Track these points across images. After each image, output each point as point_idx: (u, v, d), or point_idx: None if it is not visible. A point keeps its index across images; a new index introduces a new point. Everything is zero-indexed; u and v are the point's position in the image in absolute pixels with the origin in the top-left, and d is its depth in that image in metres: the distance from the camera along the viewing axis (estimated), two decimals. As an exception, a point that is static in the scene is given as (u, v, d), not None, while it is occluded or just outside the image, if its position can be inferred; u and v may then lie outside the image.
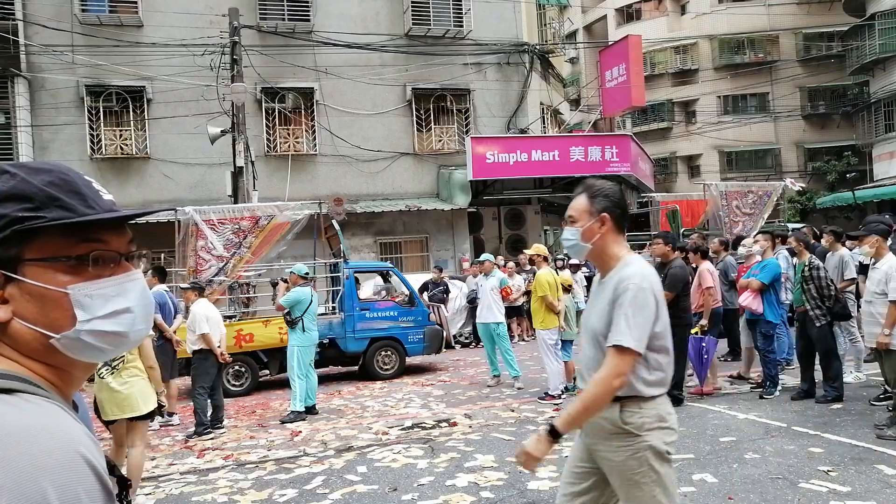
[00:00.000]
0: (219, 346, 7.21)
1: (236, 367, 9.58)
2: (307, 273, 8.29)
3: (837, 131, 29.89)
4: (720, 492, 4.62)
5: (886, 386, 6.87)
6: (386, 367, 10.35)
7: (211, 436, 7.10)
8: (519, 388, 8.73)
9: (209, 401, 7.34)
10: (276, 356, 9.67)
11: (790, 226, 13.28)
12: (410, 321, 10.38)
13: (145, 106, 15.06)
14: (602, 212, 2.42)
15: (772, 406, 7.02)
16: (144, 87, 14.86)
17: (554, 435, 2.33)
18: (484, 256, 9.78)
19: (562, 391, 7.91)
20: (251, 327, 9.71)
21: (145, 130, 15.08)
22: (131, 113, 15.06)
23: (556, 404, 7.61)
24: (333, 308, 10.38)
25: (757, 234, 8.49)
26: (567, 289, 8.56)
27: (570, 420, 2.37)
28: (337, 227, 11.32)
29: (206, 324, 7.08)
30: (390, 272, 11.50)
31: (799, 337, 7.46)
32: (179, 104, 14.78)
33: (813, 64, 29.71)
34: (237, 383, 9.71)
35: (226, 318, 9.63)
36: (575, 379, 8.36)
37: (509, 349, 9.11)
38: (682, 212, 14.73)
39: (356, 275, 10.64)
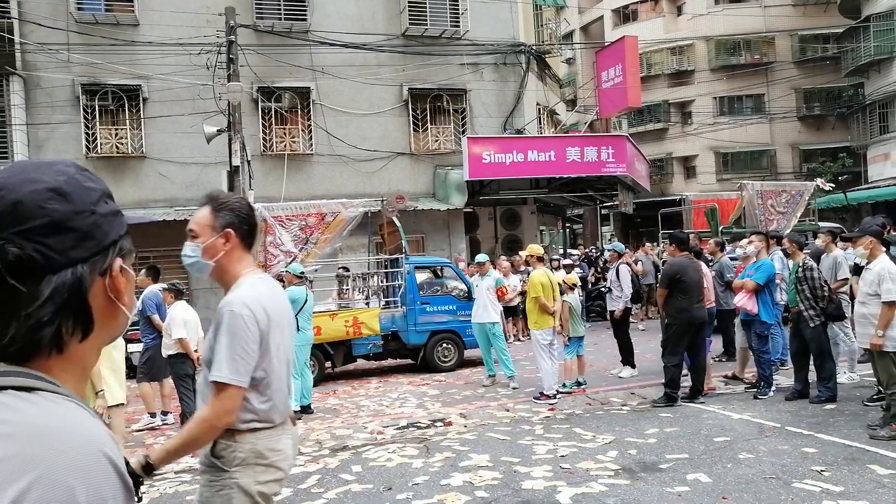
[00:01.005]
0: (196, 351, 7.09)
1: None
2: (302, 273, 8.29)
3: (832, 133, 29.98)
4: (714, 491, 4.63)
5: (879, 387, 6.90)
6: (445, 359, 10.53)
7: None
8: (514, 388, 8.74)
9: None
10: (341, 349, 10.16)
11: (822, 224, 13.34)
12: (468, 315, 10.31)
13: (141, 105, 15.03)
14: (226, 227, 2.23)
15: (766, 406, 7.04)
16: (140, 85, 14.83)
17: (147, 469, 2.01)
18: (481, 257, 9.77)
19: (557, 391, 7.92)
20: (319, 320, 9.78)
21: (141, 129, 15.05)
22: (127, 112, 15.04)
23: (552, 404, 7.63)
24: (395, 302, 10.52)
25: (752, 234, 8.51)
26: (572, 287, 8.60)
27: (166, 455, 2.10)
28: (398, 223, 11.60)
29: (182, 328, 6.98)
30: (446, 267, 11.82)
31: (793, 337, 7.49)
32: (175, 103, 14.75)
33: (808, 65, 29.80)
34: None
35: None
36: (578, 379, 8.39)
37: (504, 349, 9.12)
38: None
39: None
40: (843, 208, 22.13)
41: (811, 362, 7.25)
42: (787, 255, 8.02)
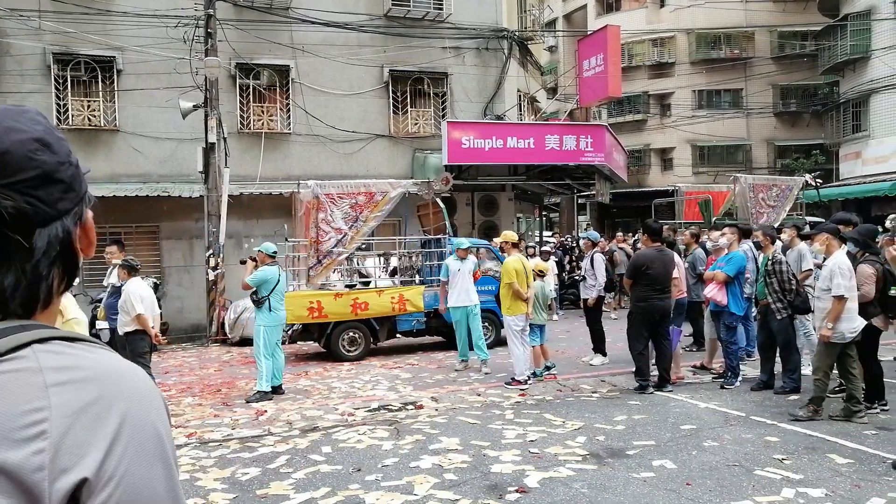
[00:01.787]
0: (153, 328, 7.02)
1: (351, 334, 10.32)
2: (275, 252, 8.21)
3: (807, 130, 30.40)
4: (679, 477, 4.72)
5: (840, 378, 7.07)
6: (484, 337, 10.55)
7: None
8: (486, 373, 8.80)
9: None
10: (386, 324, 10.57)
11: (808, 219, 13.60)
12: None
13: (115, 77, 14.69)
14: None
15: (732, 396, 7.18)
16: (115, 57, 14.48)
17: None
18: (463, 241, 9.71)
19: (528, 376, 7.98)
20: (366, 296, 10.27)
21: (114, 102, 14.71)
22: (100, 83, 14.68)
23: (523, 389, 7.69)
24: (438, 281, 10.44)
25: (725, 227, 8.63)
26: (541, 274, 8.62)
27: None
28: (441, 204, 11.98)
29: (140, 304, 6.87)
30: (484, 248, 11.82)
31: (760, 329, 7.63)
32: (151, 76, 14.44)
33: (786, 62, 30.11)
34: (352, 349, 10.33)
35: (347, 287, 10.60)
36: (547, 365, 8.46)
37: (481, 332, 9.18)
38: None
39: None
40: (815, 204, 22.52)
41: (777, 354, 7.40)
42: (758, 247, 8.13)
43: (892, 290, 6.30)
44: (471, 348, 9.28)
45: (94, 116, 14.54)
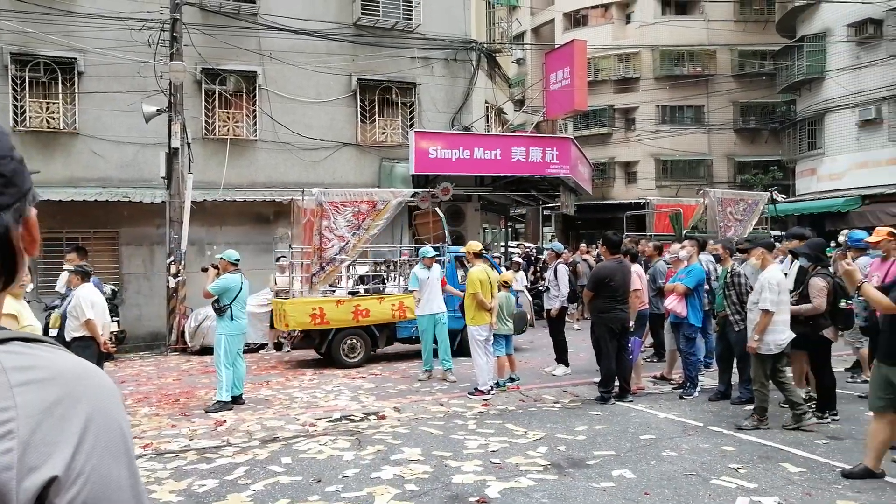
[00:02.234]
0: (102, 335, 6.85)
1: (352, 341, 10.42)
2: (237, 260, 8.10)
3: (765, 146, 31.23)
4: (637, 487, 4.78)
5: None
6: None
7: None
8: (452, 381, 8.81)
9: None
10: (385, 331, 10.74)
11: (772, 233, 13.98)
12: None
13: (76, 79, 14.38)
14: None
15: (690, 406, 7.30)
16: (76, 58, 14.18)
17: None
18: (429, 250, 9.66)
19: (491, 387, 8.01)
20: (367, 303, 10.41)
21: (75, 104, 14.39)
22: (60, 85, 14.36)
23: (486, 399, 7.71)
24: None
25: (685, 240, 8.80)
26: (506, 285, 8.67)
27: None
28: (440, 213, 12.27)
29: (90, 309, 6.71)
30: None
31: (719, 340, 7.78)
32: (113, 79, 14.17)
33: (746, 80, 30.94)
34: (352, 355, 10.43)
35: (349, 293, 10.80)
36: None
37: (448, 341, 9.20)
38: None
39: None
40: (773, 219, 23.12)
41: (735, 365, 7.55)
42: (718, 260, 8.30)
43: (842, 302, 6.50)
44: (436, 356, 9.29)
45: (53, 119, 14.21)
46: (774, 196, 15.49)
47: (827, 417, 6.41)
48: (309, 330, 10.33)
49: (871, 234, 7.51)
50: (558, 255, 10.19)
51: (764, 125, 31.28)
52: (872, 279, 6.19)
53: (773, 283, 6.19)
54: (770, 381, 6.36)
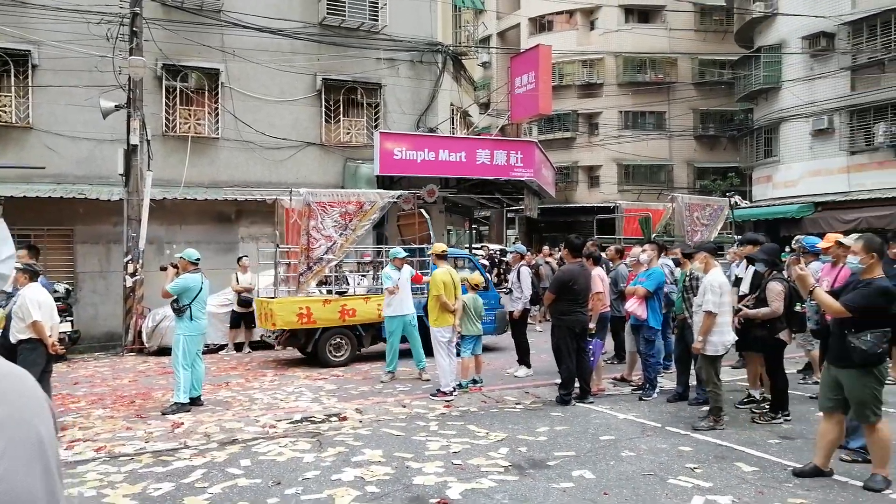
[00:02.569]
0: (50, 336, 6.66)
1: (338, 340, 10.49)
2: (198, 259, 7.96)
3: (724, 153, 31.99)
4: (597, 487, 4.83)
5: (749, 390, 7.43)
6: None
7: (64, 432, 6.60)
8: (426, 380, 8.92)
9: None
10: (371, 330, 10.83)
11: (737, 237, 14.33)
12: (484, 304, 10.26)
13: (29, 72, 13.96)
14: None
15: (649, 407, 7.42)
16: (30, 51, 13.77)
17: None
18: (399, 251, 9.66)
19: (454, 388, 8.02)
20: (354, 303, 10.52)
21: (28, 98, 13.98)
22: (12, 78, 13.93)
23: (448, 401, 7.72)
24: (422, 288, 10.65)
25: (646, 243, 8.94)
26: (476, 287, 8.71)
27: None
28: (426, 215, 12.62)
29: (38, 311, 6.50)
30: (465, 259, 12.29)
31: (677, 343, 7.93)
32: (69, 73, 13.80)
33: (705, 88, 31.65)
34: (338, 354, 10.51)
35: (338, 293, 10.95)
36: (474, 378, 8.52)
37: (419, 340, 9.27)
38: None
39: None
40: (730, 224, 23.70)
41: (693, 366, 7.70)
42: (676, 264, 8.45)
43: (797, 306, 6.69)
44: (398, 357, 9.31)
45: (5, 112, 13.77)
46: (737, 201, 16.00)
47: (779, 418, 6.58)
48: (295, 329, 10.35)
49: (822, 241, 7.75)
50: (522, 257, 10.27)
51: (723, 132, 32.05)
52: (822, 283, 6.38)
53: (714, 285, 6.41)
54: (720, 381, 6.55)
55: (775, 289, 6.40)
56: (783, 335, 6.64)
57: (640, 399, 7.77)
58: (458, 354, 8.40)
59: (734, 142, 31.15)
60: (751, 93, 26.60)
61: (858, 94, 22.25)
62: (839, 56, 22.57)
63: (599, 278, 8.31)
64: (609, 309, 8.88)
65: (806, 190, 23.73)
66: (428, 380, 9.03)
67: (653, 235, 14.34)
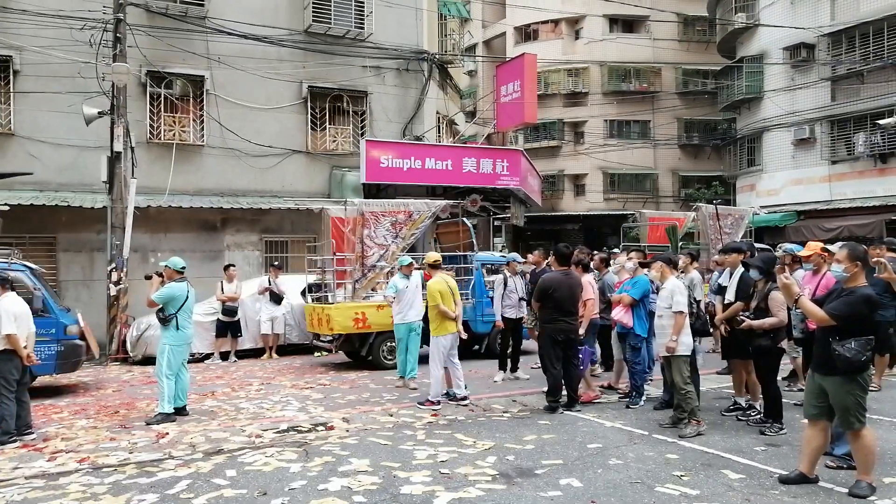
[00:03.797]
0: (25, 347, 6.56)
1: (391, 343, 10.50)
2: (183, 268, 7.89)
3: (708, 162, 32.29)
4: (584, 496, 4.83)
5: (735, 398, 7.47)
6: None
7: (17, 443, 6.48)
8: (413, 389, 8.96)
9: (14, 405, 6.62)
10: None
11: (788, 245, 14.56)
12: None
13: (11, 78, 13.83)
14: None
15: (636, 415, 7.44)
16: (11, 56, 13.64)
17: None
18: (406, 258, 9.71)
19: (440, 399, 8.00)
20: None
21: (10, 104, 13.83)
22: (-6, 84, 13.80)
23: (435, 410, 7.69)
24: (466, 295, 11.05)
25: (631, 252, 8.99)
26: None
27: None
28: (469, 223, 13.09)
29: (12, 323, 6.43)
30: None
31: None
32: (52, 79, 13.68)
33: (690, 97, 31.98)
34: (390, 357, 10.72)
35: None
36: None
37: (417, 350, 9.33)
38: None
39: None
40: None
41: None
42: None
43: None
44: None
45: (-13, 119, 13.62)
46: (757, 210, 16.40)
47: (774, 427, 6.53)
48: (350, 334, 10.70)
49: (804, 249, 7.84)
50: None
51: (706, 141, 32.35)
52: (804, 291, 6.43)
53: (681, 287, 6.73)
54: (691, 384, 6.63)
55: (779, 298, 6.38)
56: (783, 343, 6.70)
57: (628, 406, 7.79)
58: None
59: (718, 151, 31.46)
60: (734, 102, 26.92)
61: (839, 105, 22.60)
62: (819, 67, 22.92)
63: (590, 284, 8.31)
64: (597, 316, 8.87)
65: (788, 199, 24.01)
66: (415, 388, 9.01)
67: (679, 244, 14.50)
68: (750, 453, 5.84)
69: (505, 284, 9.77)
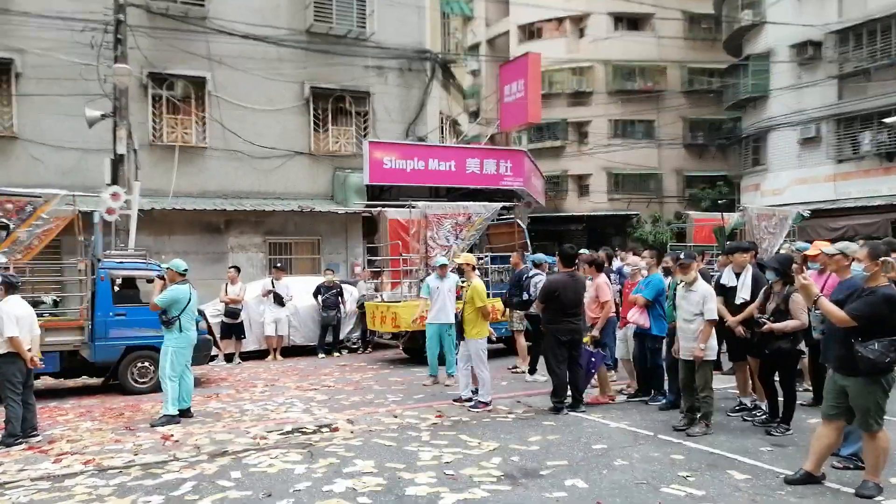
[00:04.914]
0: (29, 350, 6.55)
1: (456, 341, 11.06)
2: (186, 270, 7.88)
3: (713, 161, 32.15)
4: (589, 496, 4.80)
5: (740, 398, 7.43)
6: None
7: (22, 446, 6.49)
8: (447, 385, 9.12)
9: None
10: None
11: (798, 244, 14.65)
12: None
13: (13, 80, 13.86)
14: None
15: (641, 415, 7.40)
16: (13, 59, 13.67)
17: None
18: (442, 260, 9.75)
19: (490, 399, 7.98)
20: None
21: (12, 107, 13.86)
22: (-3, 87, 13.84)
23: (489, 410, 7.70)
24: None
25: (644, 251, 8.92)
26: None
27: None
28: (523, 225, 13.72)
29: (14, 326, 6.43)
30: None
31: (668, 351, 7.90)
32: (54, 82, 13.70)
33: (695, 96, 31.84)
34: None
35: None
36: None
37: (454, 349, 9.30)
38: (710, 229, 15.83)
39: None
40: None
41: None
42: (667, 273, 8.39)
43: None
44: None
45: (-10, 122, 13.66)
46: (801, 212, 16.44)
47: (781, 428, 6.49)
48: (415, 331, 10.91)
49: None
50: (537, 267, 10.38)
51: (711, 141, 32.22)
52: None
53: (712, 293, 6.54)
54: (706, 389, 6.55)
55: (800, 301, 6.31)
56: (801, 345, 6.64)
57: (647, 404, 7.76)
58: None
59: (723, 150, 31.34)
60: (739, 101, 26.79)
61: (845, 103, 22.48)
62: (826, 65, 22.81)
63: (606, 285, 8.21)
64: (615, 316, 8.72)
65: (793, 198, 23.87)
66: (448, 385, 9.13)
67: (727, 244, 14.56)
68: (756, 454, 5.80)
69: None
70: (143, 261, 10.14)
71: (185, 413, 7.57)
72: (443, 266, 9.51)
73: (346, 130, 17.20)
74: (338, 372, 10.90)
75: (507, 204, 14.96)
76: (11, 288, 6.71)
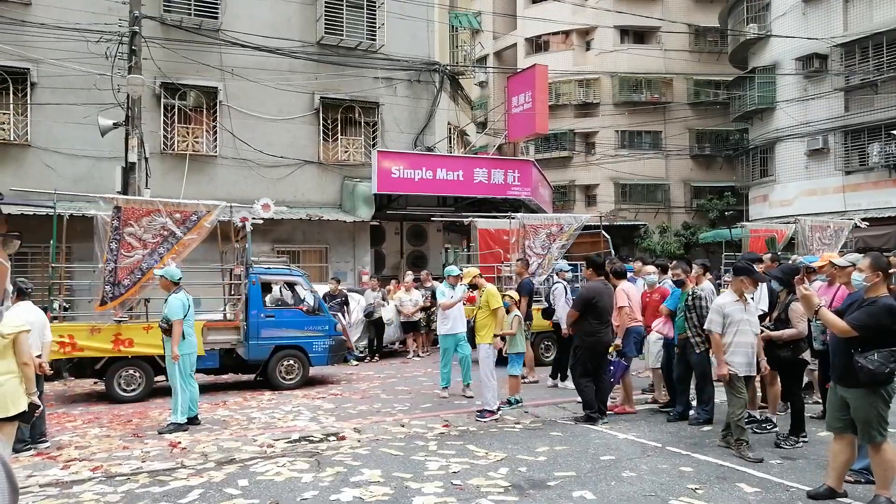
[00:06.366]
0: (39, 356, 6.46)
1: (545, 343, 11.88)
2: (180, 278, 7.92)
3: (720, 172, 32.13)
4: (597, 508, 4.78)
5: (750, 411, 7.39)
6: None
7: (31, 452, 6.50)
8: (469, 397, 9.00)
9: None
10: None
11: (851, 256, 14.60)
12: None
13: (28, 89, 14.02)
14: None
15: (649, 427, 7.37)
16: (29, 69, 13.84)
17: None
18: (453, 268, 9.72)
19: (499, 406, 7.97)
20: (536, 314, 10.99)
21: (27, 115, 14.02)
22: (11, 96, 13.98)
23: (496, 419, 7.68)
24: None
25: (673, 261, 8.94)
26: (518, 302, 8.88)
27: None
28: (606, 234, 14.30)
29: None
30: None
31: (678, 362, 7.87)
32: (68, 91, 13.86)
33: (701, 108, 31.87)
34: (547, 355, 11.59)
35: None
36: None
37: (469, 358, 9.32)
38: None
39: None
40: (728, 243, 23.75)
41: (693, 386, 7.66)
42: (679, 284, 8.37)
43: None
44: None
45: (4, 130, 13.81)
46: (858, 223, 16.36)
47: (800, 441, 6.45)
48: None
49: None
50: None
51: (719, 152, 32.19)
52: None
53: (715, 305, 6.47)
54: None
55: (799, 310, 6.31)
56: (805, 355, 6.61)
57: (674, 419, 7.64)
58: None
59: (730, 161, 31.30)
60: (746, 113, 26.79)
61: (852, 115, 22.44)
62: (832, 77, 22.79)
63: (625, 293, 8.20)
64: (641, 322, 8.67)
65: (801, 209, 23.78)
66: (471, 396, 9.04)
67: (779, 255, 14.57)
68: (765, 466, 5.77)
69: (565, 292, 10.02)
70: (287, 267, 10.96)
71: (192, 420, 7.59)
72: (455, 276, 9.42)
73: (355, 140, 17.29)
74: (344, 380, 10.91)
75: (589, 215, 15.31)
76: (22, 294, 6.75)
